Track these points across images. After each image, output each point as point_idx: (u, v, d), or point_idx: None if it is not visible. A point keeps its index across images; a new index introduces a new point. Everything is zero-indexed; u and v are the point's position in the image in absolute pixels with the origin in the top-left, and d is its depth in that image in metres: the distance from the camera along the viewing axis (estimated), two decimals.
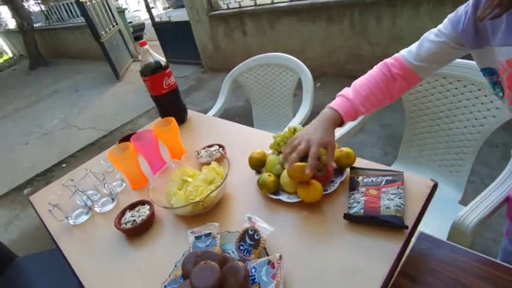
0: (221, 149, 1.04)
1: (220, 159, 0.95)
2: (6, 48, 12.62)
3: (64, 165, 3.31)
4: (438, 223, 1.02)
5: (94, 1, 5.41)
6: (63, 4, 7.74)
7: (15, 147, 4.08)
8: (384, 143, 2.35)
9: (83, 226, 0.94)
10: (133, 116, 4.01)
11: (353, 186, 0.78)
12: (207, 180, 0.85)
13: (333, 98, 0.82)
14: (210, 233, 0.72)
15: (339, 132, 1.24)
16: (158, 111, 1.34)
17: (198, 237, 0.72)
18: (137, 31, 8.67)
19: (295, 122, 1.41)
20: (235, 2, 3.95)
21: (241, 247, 0.68)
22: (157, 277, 0.67)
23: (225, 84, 1.80)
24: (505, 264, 0.67)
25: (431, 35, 0.74)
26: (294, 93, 1.67)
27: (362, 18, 3.04)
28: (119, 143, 1.15)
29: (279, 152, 0.90)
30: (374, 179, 0.78)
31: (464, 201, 1.08)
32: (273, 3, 3.62)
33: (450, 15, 0.71)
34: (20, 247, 2.25)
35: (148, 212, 0.85)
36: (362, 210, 0.69)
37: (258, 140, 1.05)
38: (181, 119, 1.35)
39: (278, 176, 0.84)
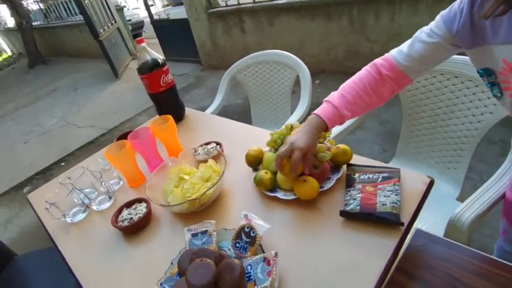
0: (218, 146, 1.04)
1: (217, 157, 0.95)
2: (5, 46, 12.58)
3: (63, 163, 3.31)
4: (435, 219, 1.02)
5: None
6: (61, 2, 7.72)
7: (15, 145, 4.08)
8: (382, 140, 2.35)
9: (80, 224, 0.94)
10: (132, 114, 4.00)
11: (349, 183, 0.78)
12: (204, 178, 0.85)
13: None
14: (206, 231, 0.72)
15: (336, 129, 1.24)
16: (156, 109, 1.33)
17: (194, 235, 0.72)
18: (136, 29, 8.65)
19: (293, 119, 1.41)
20: None
21: (237, 244, 0.68)
22: (154, 274, 0.67)
23: (223, 81, 1.80)
24: (501, 260, 0.67)
25: (422, 34, 0.71)
26: (292, 91, 1.67)
27: (360, 15, 3.02)
28: (116, 140, 1.14)
29: (276, 149, 0.90)
30: (370, 176, 0.78)
31: (462, 198, 1.08)
32: (271, 0, 3.60)
33: (443, 13, 0.68)
34: (19, 245, 2.26)
35: (144, 210, 0.85)
36: (358, 207, 0.69)
37: (256, 137, 1.05)
38: (179, 117, 1.35)
39: (275, 173, 0.84)
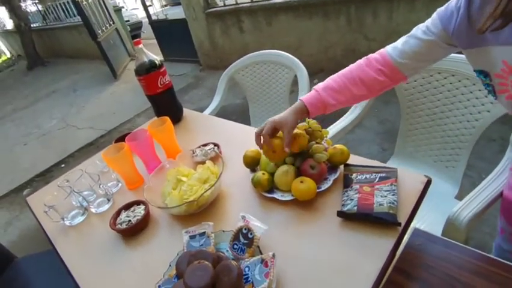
0: (216, 147, 1.04)
1: (215, 158, 0.95)
2: (4, 48, 12.58)
3: (63, 165, 3.31)
4: (434, 218, 1.02)
5: (90, 0, 5.39)
6: (60, 4, 7.71)
7: (14, 147, 4.08)
8: (382, 139, 2.35)
9: (79, 227, 0.94)
10: (131, 115, 4.00)
11: (346, 183, 0.78)
12: (202, 180, 0.85)
13: None
14: (204, 232, 0.72)
15: (334, 128, 1.24)
16: (154, 110, 1.33)
17: (192, 237, 0.72)
18: (135, 29, 8.63)
19: None
20: None
21: (235, 246, 0.68)
22: (152, 277, 0.67)
23: (221, 82, 1.80)
24: (499, 259, 0.67)
25: (418, 31, 0.70)
26: (291, 90, 1.67)
27: (358, 13, 3.02)
28: (115, 142, 1.15)
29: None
30: (367, 176, 0.78)
31: (461, 196, 1.08)
32: None
33: (439, 10, 0.67)
34: (19, 248, 2.26)
35: (143, 212, 0.85)
36: (356, 208, 0.69)
37: (254, 138, 1.05)
38: (177, 118, 1.35)
39: (272, 174, 0.84)
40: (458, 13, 0.62)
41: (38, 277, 1.27)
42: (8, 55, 12.36)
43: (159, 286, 0.64)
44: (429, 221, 1.02)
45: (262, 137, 0.80)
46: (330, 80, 0.81)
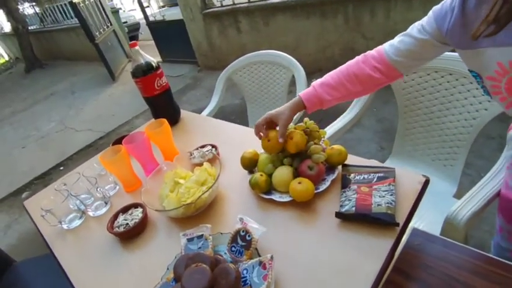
0: (214, 149, 1.04)
1: (212, 160, 0.94)
2: (2, 51, 12.55)
3: (61, 168, 3.30)
4: (432, 217, 1.02)
5: (87, 2, 5.38)
6: (57, 6, 7.69)
7: (13, 151, 4.07)
8: (380, 138, 2.35)
9: (76, 230, 0.93)
10: (129, 117, 4.00)
11: (344, 183, 0.78)
12: (199, 182, 0.84)
13: None
14: (202, 235, 0.72)
15: (332, 129, 1.23)
16: (151, 112, 1.33)
17: (190, 240, 0.72)
18: (133, 31, 8.62)
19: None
20: None
21: (233, 248, 0.67)
22: (150, 280, 0.67)
23: (218, 83, 1.80)
24: (498, 258, 0.67)
25: (414, 30, 0.71)
26: (289, 90, 1.66)
27: (356, 12, 3.02)
28: (112, 145, 1.14)
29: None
30: (365, 176, 0.77)
31: (459, 195, 1.08)
32: None
33: (435, 8, 0.67)
34: (19, 251, 2.26)
35: (140, 215, 0.85)
36: (354, 208, 0.69)
37: (252, 139, 1.04)
38: (174, 120, 1.35)
39: (270, 175, 0.84)
40: (452, 13, 0.62)
41: (37, 281, 1.27)
42: (6, 58, 12.32)
43: None
44: (428, 220, 1.02)
45: (257, 129, 0.84)
46: (328, 76, 0.82)
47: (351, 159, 0.86)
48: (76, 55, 8.09)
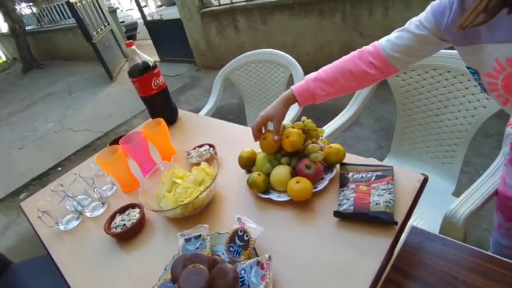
0: (211, 148, 1.03)
1: (210, 160, 0.94)
2: None
3: (59, 168, 3.29)
4: (431, 216, 1.01)
5: (84, 1, 5.36)
6: (54, 6, 7.66)
7: (10, 151, 4.06)
8: (379, 136, 2.35)
9: (73, 231, 0.93)
10: (127, 116, 3.99)
11: (343, 182, 0.77)
12: (197, 181, 0.84)
13: None
14: (199, 235, 0.71)
15: (330, 127, 1.23)
16: (148, 112, 1.32)
17: (187, 240, 0.71)
18: (130, 30, 8.60)
19: (286, 118, 1.40)
20: None
21: (231, 248, 0.67)
22: (148, 281, 0.66)
23: (216, 82, 1.79)
24: (496, 256, 0.66)
25: (411, 25, 0.70)
26: (287, 89, 1.65)
27: (353, 10, 3.01)
28: (109, 145, 1.13)
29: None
30: (364, 175, 0.77)
31: (458, 193, 1.07)
32: None
33: (433, 4, 0.66)
34: (17, 252, 2.25)
35: (138, 216, 0.84)
36: (352, 207, 0.69)
37: (250, 138, 1.03)
38: (172, 120, 1.34)
39: (268, 174, 0.83)
40: (451, 9, 0.61)
41: (35, 283, 1.26)
42: (3, 58, 12.27)
43: None
44: (427, 218, 1.02)
45: (254, 131, 0.84)
46: (322, 71, 0.82)
47: (350, 158, 0.85)
48: (73, 55, 8.07)
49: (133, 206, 0.89)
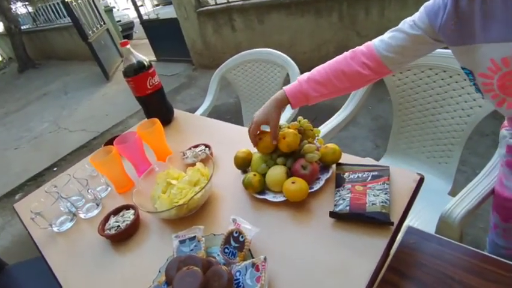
0: (207, 149, 1.02)
1: (206, 160, 0.93)
2: None
3: (55, 169, 3.27)
4: (428, 215, 1.01)
5: (79, 0, 5.33)
6: (50, 5, 7.61)
7: (5, 152, 4.02)
8: (375, 136, 2.35)
9: (67, 233, 0.92)
10: (123, 116, 3.96)
11: (339, 182, 0.77)
12: (192, 182, 0.83)
13: None
14: (194, 237, 0.70)
15: (326, 127, 1.22)
16: (144, 111, 1.31)
17: (182, 241, 0.70)
18: (127, 30, 8.56)
19: (282, 118, 1.40)
20: None
21: (226, 250, 0.66)
22: (142, 283, 0.66)
23: (212, 82, 1.78)
24: (492, 256, 0.66)
25: (405, 25, 0.69)
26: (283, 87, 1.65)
27: (350, 10, 3.01)
28: (104, 146, 1.12)
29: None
30: (360, 175, 0.77)
31: (455, 192, 1.07)
32: None
33: (427, 4, 0.65)
34: (12, 254, 2.23)
35: (132, 217, 0.83)
36: (348, 208, 0.68)
37: (246, 138, 1.02)
38: (167, 120, 1.33)
39: (264, 175, 0.83)
40: (444, 10, 0.61)
41: (30, 284, 1.25)
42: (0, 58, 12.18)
43: None
44: (423, 218, 1.02)
45: (252, 135, 0.83)
46: (315, 71, 0.80)
47: (346, 158, 0.85)
48: (69, 54, 8.02)
49: (127, 207, 0.88)
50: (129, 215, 0.84)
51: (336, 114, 1.30)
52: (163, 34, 5.17)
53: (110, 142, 1.12)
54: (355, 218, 0.67)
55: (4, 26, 8.40)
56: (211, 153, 1.01)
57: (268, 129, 0.83)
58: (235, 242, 0.66)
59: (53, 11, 7.68)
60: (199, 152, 0.97)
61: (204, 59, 4.74)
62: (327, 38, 3.31)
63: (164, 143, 1.07)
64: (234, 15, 3.91)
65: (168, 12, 5.55)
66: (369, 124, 2.48)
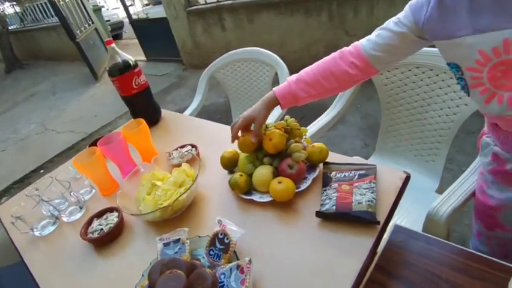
0: (194, 149, 1.01)
1: (192, 160, 0.91)
2: None
3: (42, 171, 3.20)
4: (416, 213, 1.01)
5: (67, 0, 5.24)
6: (37, 4, 7.48)
7: None
8: (365, 134, 2.36)
9: (49, 237, 0.89)
10: (112, 117, 3.91)
11: (325, 182, 0.76)
12: (177, 183, 0.82)
13: None
14: (179, 239, 0.69)
15: (315, 126, 1.22)
16: (130, 112, 1.29)
17: (166, 244, 0.69)
18: (116, 29, 8.46)
19: (270, 118, 1.39)
20: None
21: (211, 252, 0.65)
22: None
23: (201, 81, 1.76)
24: (479, 254, 0.66)
25: (390, 23, 0.69)
26: (273, 88, 1.64)
27: (339, 9, 3.02)
28: (89, 147, 1.10)
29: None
30: (346, 174, 0.76)
31: (442, 190, 1.08)
32: None
33: (411, 2, 0.65)
34: None
35: (116, 220, 0.81)
36: (334, 207, 0.68)
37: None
38: (154, 120, 1.31)
39: (250, 175, 0.81)
40: (428, 5, 0.61)
41: None
42: None
43: None
44: (411, 216, 1.02)
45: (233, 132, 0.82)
46: (304, 72, 0.80)
47: (333, 157, 0.84)
48: (57, 54, 7.89)
49: (111, 209, 0.86)
50: (113, 218, 0.82)
51: (325, 113, 1.29)
52: (152, 34, 5.12)
53: (95, 143, 1.10)
54: (341, 218, 0.67)
55: None
56: (198, 154, 1.00)
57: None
58: (221, 244, 0.65)
59: (40, 10, 7.55)
60: (185, 153, 0.96)
61: (194, 59, 4.71)
62: (317, 37, 3.32)
63: (150, 144, 1.05)
64: (223, 14, 3.89)
65: (158, 11, 5.50)
66: (358, 123, 2.49)
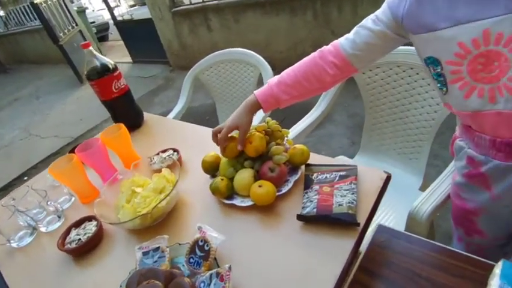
0: (175, 153, 0.99)
1: (172, 165, 0.90)
2: None
3: (25, 177, 3.12)
4: (399, 212, 1.02)
5: (49, 2, 5.13)
6: (21, 7, 7.31)
7: None
8: (352, 133, 2.37)
9: (27, 248, 0.86)
10: (98, 121, 3.84)
11: (307, 184, 0.76)
12: (157, 190, 0.80)
13: None
14: (158, 247, 0.67)
15: (299, 127, 1.22)
16: (111, 116, 1.27)
17: (145, 253, 0.67)
18: (102, 31, 8.33)
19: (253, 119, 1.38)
20: None
21: (191, 260, 0.64)
22: None
23: (185, 83, 1.74)
24: (459, 251, 0.67)
25: (368, 21, 0.69)
26: (258, 88, 1.63)
27: (324, 8, 3.03)
28: (69, 153, 1.07)
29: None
30: (328, 176, 0.76)
31: (425, 187, 1.08)
32: None
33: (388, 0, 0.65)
34: None
35: (94, 229, 0.79)
36: (315, 210, 0.67)
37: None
38: (136, 124, 1.29)
39: (232, 179, 0.80)
40: (406, 0, 0.61)
41: None
42: None
43: None
44: (395, 214, 1.02)
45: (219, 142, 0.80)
46: (285, 73, 0.79)
47: (315, 159, 0.84)
48: (41, 58, 7.72)
49: (89, 218, 0.83)
50: (91, 227, 0.80)
51: (309, 113, 1.29)
52: (138, 35, 5.06)
53: (73, 151, 1.07)
54: (322, 220, 0.66)
55: None
56: (180, 158, 0.98)
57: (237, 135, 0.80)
58: (201, 251, 0.63)
59: (23, 13, 7.39)
60: (166, 157, 0.94)
61: (181, 60, 4.67)
62: (303, 36, 3.32)
63: (131, 149, 1.03)
64: (209, 14, 3.86)
65: (144, 12, 5.43)
66: (345, 121, 2.50)
